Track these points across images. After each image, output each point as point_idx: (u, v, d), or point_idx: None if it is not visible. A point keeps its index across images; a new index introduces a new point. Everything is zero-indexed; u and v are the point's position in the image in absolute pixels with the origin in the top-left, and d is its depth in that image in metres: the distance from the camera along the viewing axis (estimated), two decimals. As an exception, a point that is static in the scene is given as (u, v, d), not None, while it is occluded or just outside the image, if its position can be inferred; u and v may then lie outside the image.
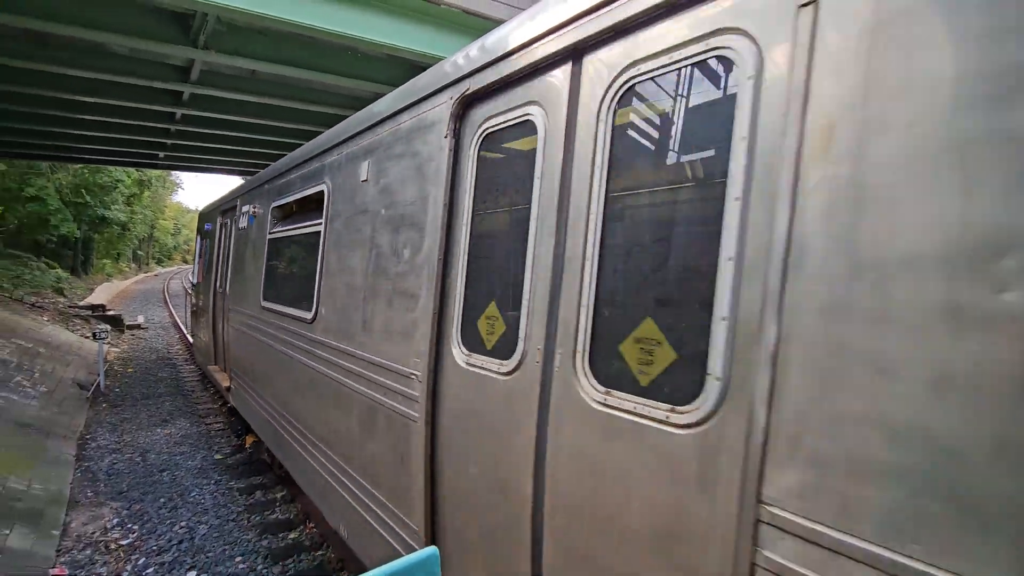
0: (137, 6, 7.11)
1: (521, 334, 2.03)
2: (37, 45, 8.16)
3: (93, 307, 18.55)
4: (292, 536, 4.89)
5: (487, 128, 2.36)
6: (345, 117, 4.16)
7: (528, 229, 2.05)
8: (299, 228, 4.62)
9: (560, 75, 1.98)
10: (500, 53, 2.22)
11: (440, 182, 2.55)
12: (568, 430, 1.80)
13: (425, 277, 2.60)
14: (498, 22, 7.33)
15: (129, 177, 32.38)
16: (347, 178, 3.71)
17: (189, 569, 4.34)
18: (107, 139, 14.58)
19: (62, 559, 4.35)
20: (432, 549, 1.35)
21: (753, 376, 1.27)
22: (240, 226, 6.76)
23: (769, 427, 1.23)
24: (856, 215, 1.13)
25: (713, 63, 1.49)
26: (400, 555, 2.85)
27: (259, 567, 4.39)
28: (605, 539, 1.64)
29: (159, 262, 62.42)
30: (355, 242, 3.46)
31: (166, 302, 24.91)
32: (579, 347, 1.78)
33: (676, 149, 1.68)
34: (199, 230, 11.14)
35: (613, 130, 1.76)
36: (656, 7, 1.57)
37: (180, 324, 16.84)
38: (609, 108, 1.77)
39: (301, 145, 5.04)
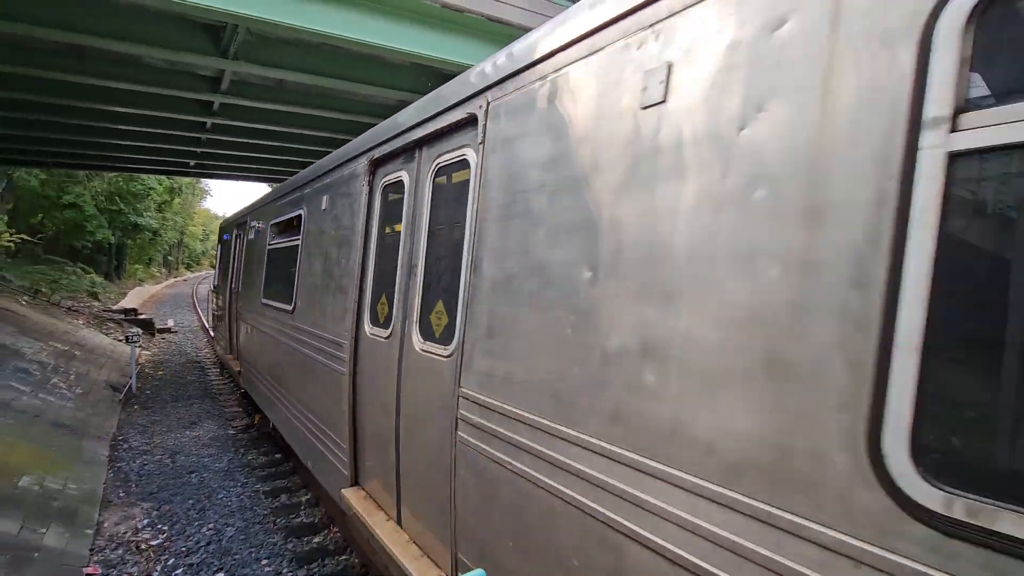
0: (171, 19, 7.33)
1: (393, 313, 3.29)
2: (76, 59, 8.46)
3: (126, 311, 19.08)
4: (316, 540, 4.93)
5: (384, 181, 3.65)
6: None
7: (399, 247, 3.29)
8: (287, 242, 5.90)
9: (413, 156, 3.28)
10: (390, 136, 3.52)
11: (361, 214, 3.79)
12: (409, 365, 3.07)
13: (352, 278, 3.81)
14: (521, 28, 7.35)
15: (161, 185, 33.33)
16: (315, 207, 4.97)
17: (217, 571, 4.40)
18: (141, 148, 15.05)
19: (95, 558, 4.45)
20: (480, 572, 1.40)
21: (462, 330, 2.48)
22: (249, 238, 8.19)
23: (462, 355, 2.46)
24: (482, 248, 2.41)
25: (464, 162, 2.75)
26: (338, 469, 4.01)
27: (284, 570, 4.43)
28: (417, 413, 2.99)
29: (188, 267, 64.00)
30: (318, 254, 4.74)
31: (194, 306, 25.51)
32: (415, 319, 3.05)
33: (451, 204, 2.91)
34: (220, 239, 12.44)
35: (432, 191, 3.05)
36: (445, 127, 2.86)
37: (208, 328, 17.21)
38: (431, 178, 3.06)
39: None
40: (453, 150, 2.84)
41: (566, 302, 1.90)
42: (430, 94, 3.20)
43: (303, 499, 5.75)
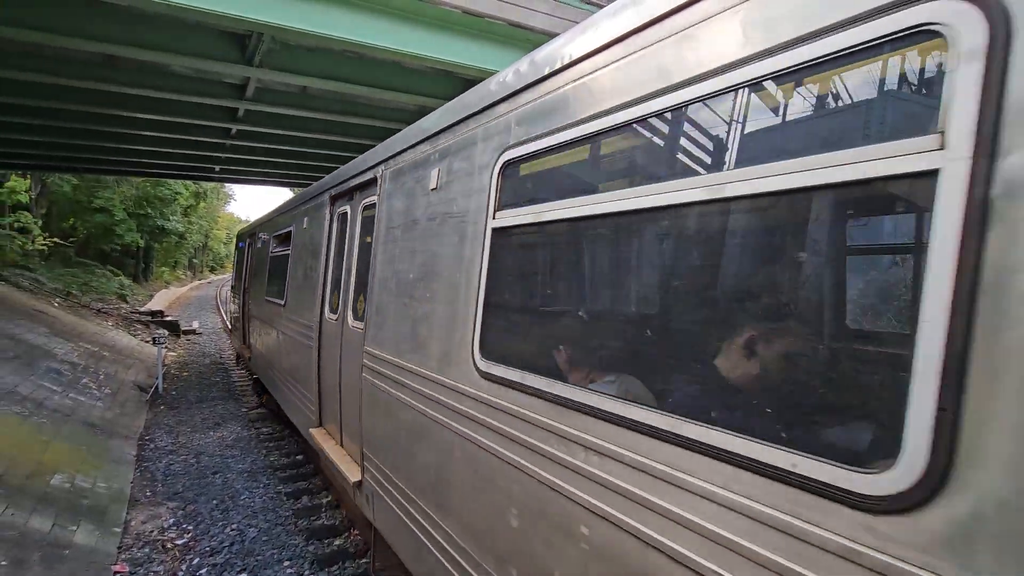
0: (200, 29, 7.48)
1: (340, 303, 4.61)
2: (107, 68, 8.69)
3: (152, 313, 19.52)
4: (337, 543, 4.96)
5: (338, 212, 5.07)
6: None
7: (343, 257, 4.66)
8: (282, 251, 7.38)
9: (352, 196, 4.70)
10: (341, 180, 4.95)
11: (325, 234, 5.22)
12: (346, 337, 4.37)
13: (319, 279, 5.18)
14: (543, 33, 7.35)
15: (187, 189, 34.09)
16: (300, 225, 6.54)
17: (240, 572, 4.45)
18: (168, 154, 15.38)
19: (123, 556, 4.54)
20: None
21: (368, 311, 3.80)
22: (257, 246, 9.78)
23: (366, 327, 3.81)
24: (376, 260, 3.79)
25: (374, 205, 3.97)
26: (309, 417, 5.37)
27: (306, 572, 4.47)
28: (349, 368, 4.20)
29: (212, 269, 65.24)
30: (299, 261, 6.31)
31: (218, 308, 25.95)
32: (350, 306, 4.37)
33: (368, 231, 4.12)
34: (236, 247, 14.12)
35: (361, 221, 4.39)
36: (365, 181, 4.28)
37: (228, 324, 17.48)
38: (360, 212, 4.43)
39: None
40: (370, 196, 4.19)
41: (405, 291, 3.26)
42: (361, 156, 4.63)
43: (324, 501, 5.79)
